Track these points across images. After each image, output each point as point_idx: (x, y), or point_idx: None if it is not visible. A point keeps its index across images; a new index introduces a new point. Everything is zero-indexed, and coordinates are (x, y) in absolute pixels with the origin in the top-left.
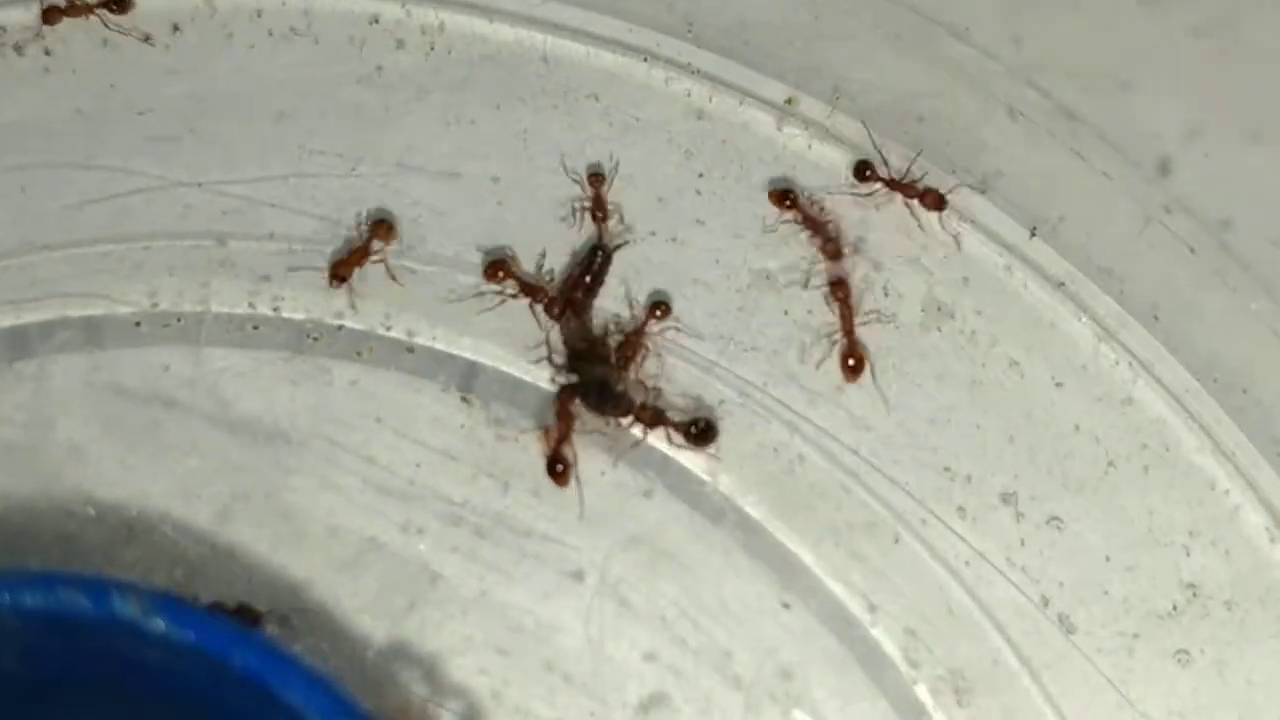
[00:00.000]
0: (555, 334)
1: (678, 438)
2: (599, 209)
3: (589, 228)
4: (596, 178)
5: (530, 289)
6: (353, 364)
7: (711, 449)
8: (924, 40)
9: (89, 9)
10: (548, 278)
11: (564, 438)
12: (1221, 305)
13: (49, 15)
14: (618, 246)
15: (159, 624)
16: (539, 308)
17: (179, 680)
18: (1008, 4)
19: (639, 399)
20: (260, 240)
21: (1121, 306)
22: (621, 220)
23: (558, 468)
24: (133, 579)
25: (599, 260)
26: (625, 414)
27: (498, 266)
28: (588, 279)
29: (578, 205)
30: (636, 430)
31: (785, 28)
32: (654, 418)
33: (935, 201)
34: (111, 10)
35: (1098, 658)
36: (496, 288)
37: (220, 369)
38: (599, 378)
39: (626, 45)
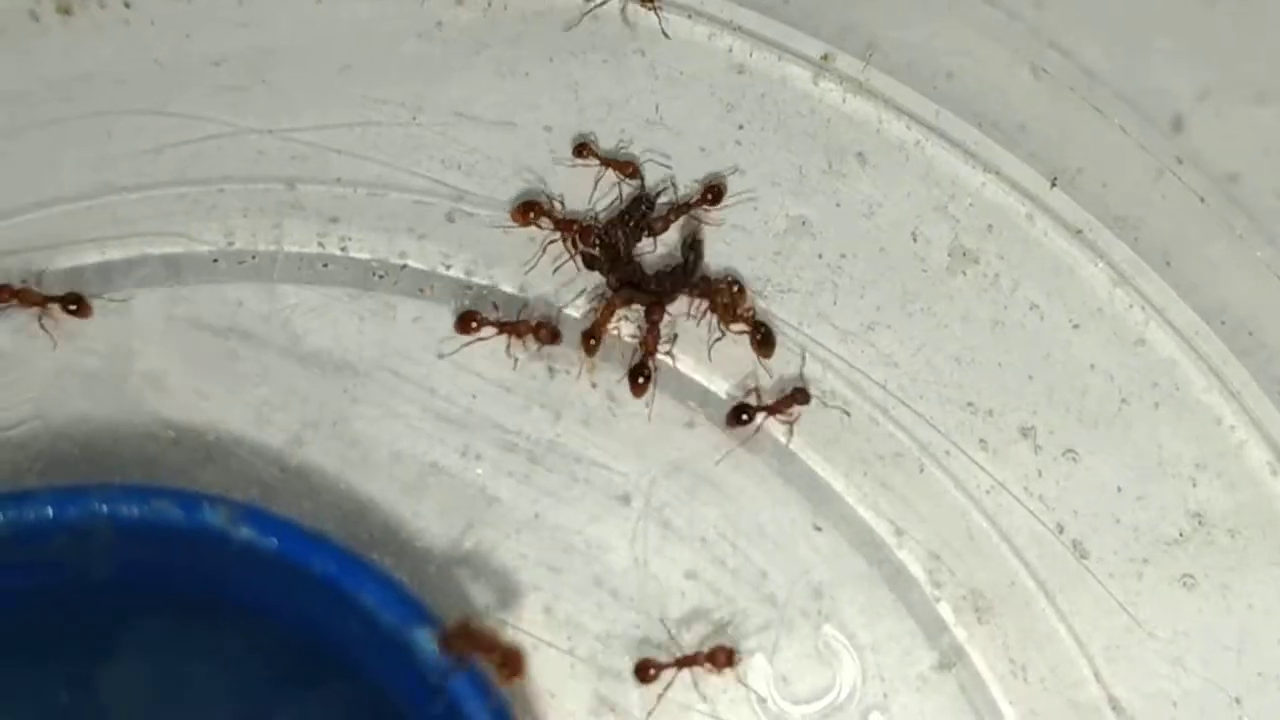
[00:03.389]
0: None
1: (744, 328)
2: (618, 169)
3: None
4: (582, 148)
5: (564, 224)
6: (416, 300)
7: (767, 362)
8: (953, 3)
9: None
10: (590, 218)
11: (650, 350)
12: (1229, 253)
13: None
14: (659, 194)
15: (245, 532)
16: (575, 243)
17: (261, 585)
18: None
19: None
20: (327, 184)
21: (1135, 253)
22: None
23: (639, 379)
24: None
25: (641, 210)
26: (699, 293)
27: (529, 206)
28: (630, 223)
29: (598, 177)
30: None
31: None
32: (728, 307)
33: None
34: None
35: (1109, 581)
36: (532, 228)
37: (292, 304)
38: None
39: (671, 2)
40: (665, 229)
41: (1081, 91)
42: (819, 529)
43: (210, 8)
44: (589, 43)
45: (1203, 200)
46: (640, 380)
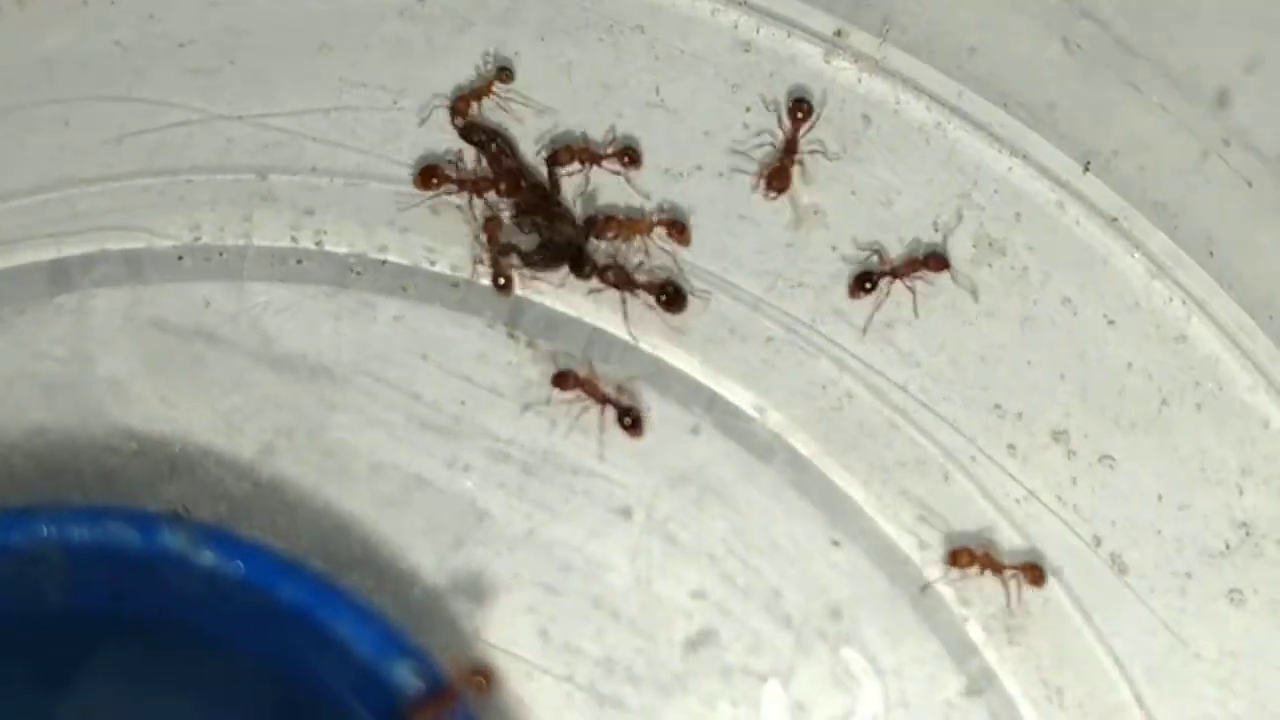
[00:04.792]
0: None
1: (648, 299)
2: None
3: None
4: (555, 157)
5: (470, 183)
6: (397, 299)
7: (678, 320)
8: None
9: None
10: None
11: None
12: (1278, 240)
13: None
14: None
15: (208, 557)
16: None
17: (226, 613)
18: None
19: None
20: (302, 174)
21: (1175, 242)
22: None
23: (626, 421)
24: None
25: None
26: (589, 273)
27: (430, 172)
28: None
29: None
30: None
31: None
32: (621, 277)
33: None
34: None
35: (1150, 598)
36: (431, 194)
37: (263, 303)
38: (565, 238)
39: None
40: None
41: (1117, 67)
42: (837, 544)
43: None
44: (583, 19)
45: (1250, 184)
46: (629, 422)
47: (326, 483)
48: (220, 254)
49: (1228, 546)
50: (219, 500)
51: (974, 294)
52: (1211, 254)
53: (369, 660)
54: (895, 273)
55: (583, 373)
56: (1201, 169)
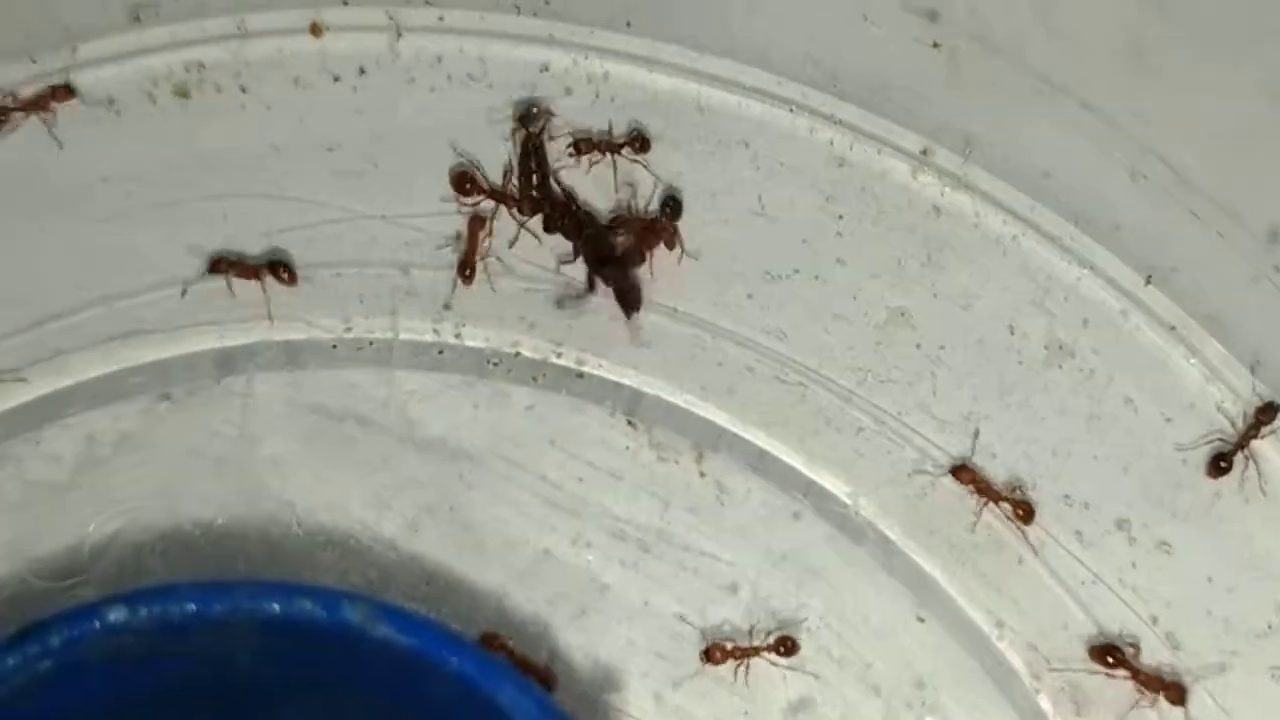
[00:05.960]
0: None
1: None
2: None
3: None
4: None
5: (499, 196)
6: (528, 388)
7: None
8: (1052, 107)
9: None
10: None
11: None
12: None
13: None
14: (542, 127)
15: (383, 630)
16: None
17: (396, 679)
18: (1133, 82)
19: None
20: (440, 270)
21: (1228, 350)
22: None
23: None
24: (331, 580)
25: (532, 146)
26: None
27: (464, 178)
28: (532, 165)
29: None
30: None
31: (923, 86)
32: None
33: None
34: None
35: (1201, 672)
36: (469, 200)
37: (409, 391)
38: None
39: (775, 96)
40: (587, 150)
41: (1178, 197)
42: (921, 620)
43: (326, 93)
44: (693, 133)
45: None
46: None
47: (465, 554)
48: (370, 344)
49: (1270, 627)
50: (369, 568)
51: (1045, 392)
52: (1260, 362)
53: None
54: (1244, 439)
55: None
56: (1252, 289)
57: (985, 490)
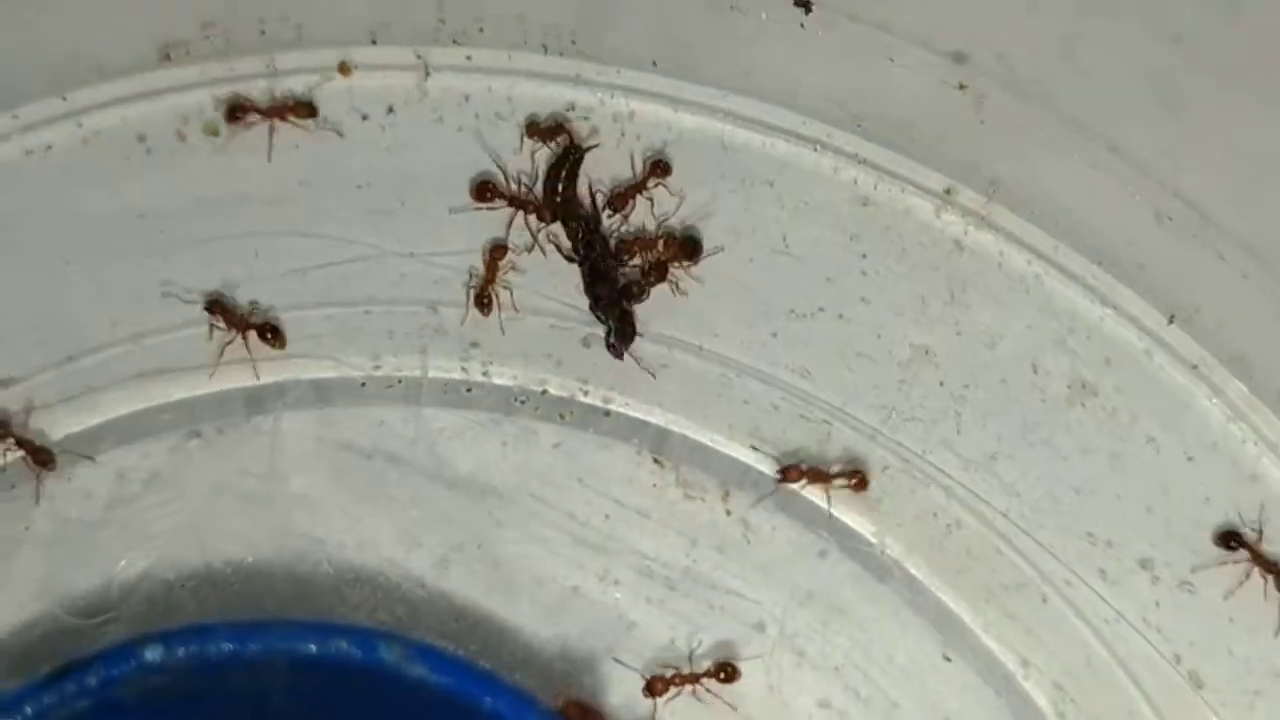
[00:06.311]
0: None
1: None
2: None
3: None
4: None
5: (519, 201)
6: (556, 426)
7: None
8: (1078, 148)
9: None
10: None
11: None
12: None
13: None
14: (590, 147)
15: (418, 670)
16: (532, 219)
17: (427, 715)
18: (1158, 123)
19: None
20: (468, 307)
21: (1250, 390)
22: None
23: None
24: (360, 617)
25: (571, 158)
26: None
27: (485, 186)
28: (562, 174)
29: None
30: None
31: (947, 126)
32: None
33: None
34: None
35: (1222, 710)
36: (487, 206)
37: (438, 429)
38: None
39: (799, 136)
40: (623, 205)
41: (1202, 237)
42: (948, 659)
43: (356, 132)
44: (717, 172)
45: None
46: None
47: (494, 591)
48: (399, 381)
49: None
50: (397, 605)
51: (1068, 431)
52: None
53: None
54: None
55: None
56: (1275, 329)
57: (818, 477)
